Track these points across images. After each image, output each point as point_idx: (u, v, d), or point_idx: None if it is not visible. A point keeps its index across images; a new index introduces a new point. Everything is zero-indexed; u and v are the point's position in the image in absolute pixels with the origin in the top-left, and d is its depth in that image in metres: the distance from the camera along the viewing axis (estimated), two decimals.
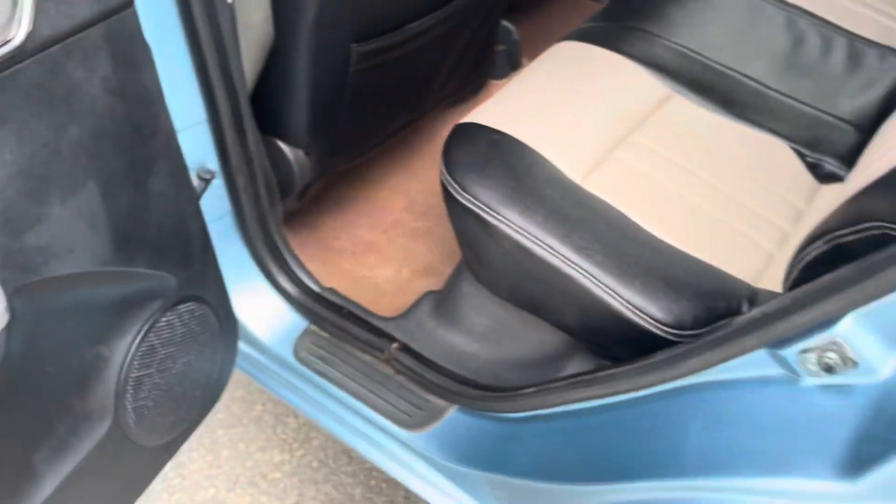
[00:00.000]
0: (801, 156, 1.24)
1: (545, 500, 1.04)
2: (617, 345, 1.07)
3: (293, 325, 1.31)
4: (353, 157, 1.44)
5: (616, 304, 1.01)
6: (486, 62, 1.64)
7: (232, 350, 1.15)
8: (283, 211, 1.37)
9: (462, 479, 1.19)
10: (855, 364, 0.69)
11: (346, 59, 1.21)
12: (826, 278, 0.71)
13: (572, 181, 1.13)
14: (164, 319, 0.99)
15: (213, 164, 1.16)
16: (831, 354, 0.70)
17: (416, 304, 1.32)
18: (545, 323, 1.18)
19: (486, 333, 1.25)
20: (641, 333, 1.00)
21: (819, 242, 0.88)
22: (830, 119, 1.29)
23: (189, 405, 1.09)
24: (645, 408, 0.93)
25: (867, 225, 0.79)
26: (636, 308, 1.00)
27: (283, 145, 1.29)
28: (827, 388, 0.72)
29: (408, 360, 1.21)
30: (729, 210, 1.15)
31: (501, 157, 1.13)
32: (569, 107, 1.24)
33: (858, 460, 0.65)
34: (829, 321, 0.70)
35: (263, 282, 1.30)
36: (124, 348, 0.95)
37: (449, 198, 1.13)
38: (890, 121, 1.16)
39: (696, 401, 0.86)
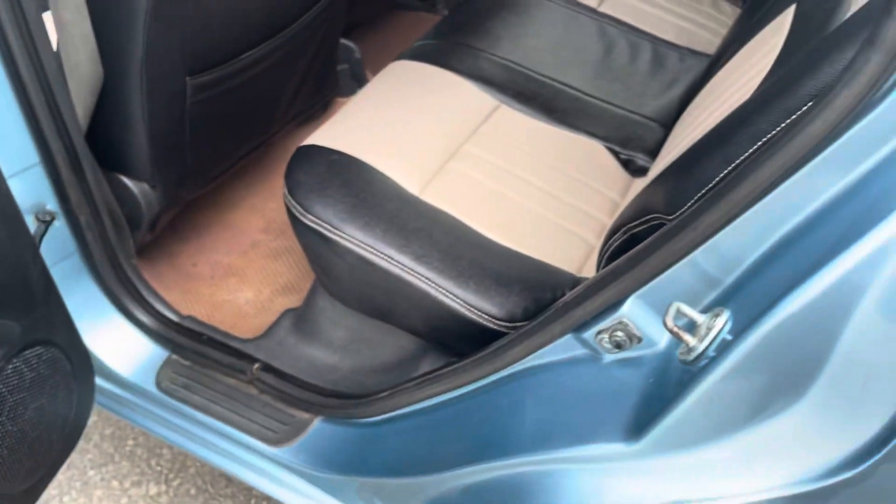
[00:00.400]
0: (615, 153, 1.38)
1: (406, 494, 1.11)
2: (461, 342, 1.16)
3: (154, 357, 1.32)
4: (203, 185, 1.46)
5: (455, 305, 1.09)
6: (330, 81, 1.70)
7: (88, 389, 1.15)
8: (137, 243, 1.38)
9: (334, 487, 1.24)
10: (639, 339, 0.80)
11: (182, 92, 1.24)
12: (610, 267, 0.81)
13: (410, 193, 1.21)
14: (10, 367, 0.99)
15: (52, 204, 1.16)
16: (619, 333, 0.81)
17: (276, 323, 1.36)
18: (398, 328, 1.25)
19: (345, 344, 1.31)
20: (480, 329, 1.09)
21: (618, 234, 1.00)
22: (639, 118, 1.43)
23: (46, 449, 1.08)
24: (484, 396, 1.01)
25: (649, 217, 0.91)
26: (472, 306, 1.09)
27: (126, 180, 1.30)
28: (622, 361, 0.83)
29: (270, 379, 1.25)
30: (553, 208, 1.26)
31: (340, 175, 1.19)
32: (404, 123, 1.32)
33: (640, 423, 0.75)
34: (615, 304, 0.80)
35: (119, 316, 1.30)
36: None
37: (293, 219, 1.18)
38: (682, 117, 1.30)
39: (525, 385, 0.95)
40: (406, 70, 1.44)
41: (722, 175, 0.79)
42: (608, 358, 0.85)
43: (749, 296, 0.69)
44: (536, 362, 0.93)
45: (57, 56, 1.10)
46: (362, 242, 1.11)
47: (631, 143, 1.39)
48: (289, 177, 1.20)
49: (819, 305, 0.61)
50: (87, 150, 1.15)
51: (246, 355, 1.29)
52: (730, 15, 1.74)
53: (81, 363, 1.13)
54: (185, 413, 1.30)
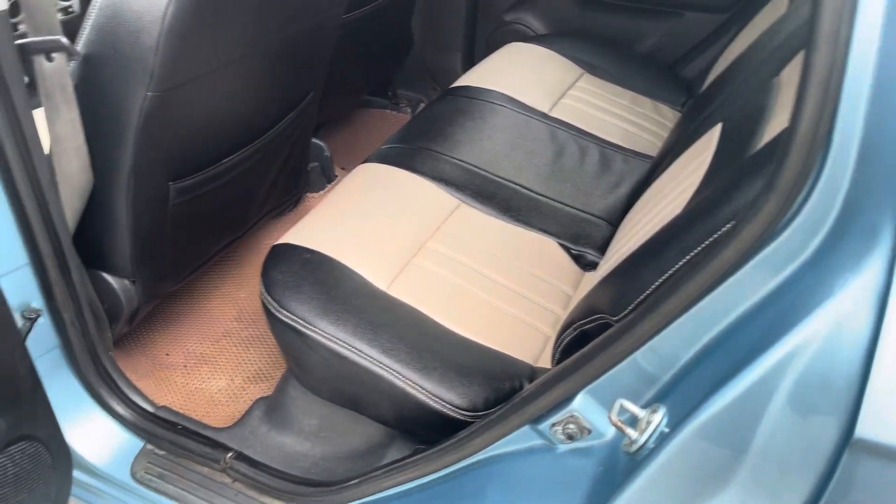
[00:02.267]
0: (567, 249, 1.50)
1: None
2: (426, 430, 1.23)
3: (129, 447, 1.36)
4: (180, 280, 1.54)
5: (420, 396, 1.17)
6: (302, 178, 1.81)
7: (66, 481, 1.19)
8: (114, 335, 1.44)
9: None
10: (589, 431, 0.90)
11: (164, 197, 1.33)
12: (562, 365, 0.91)
13: (379, 289, 1.30)
14: None
15: (38, 302, 1.22)
16: (571, 425, 0.90)
17: (249, 412, 1.42)
18: (367, 417, 1.32)
19: (316, 432, 1.37)
20: (444, 418, 1.17)
21: (570, 330, 1.10)
22: (588, 216, 1.56)
23: None
24: (449, 483, 1.08)
25: (596, 316, 1.01)
26: (436, 397, 1.17)
27: (108, 277, 1.37)
28: (574, 451, 0.92)
29: (243, 468, 1.30)
30: (511, 301, 1.36)
31: (313, 273, 1.28)
32: (372, 222, 1.43)
33: None
34: (567, 399, 0.90)
35: (96, 408, 1.35)
36: None
37: (269, 314, 1.26)
38: (628, 216, 1.43)
39: (487, 473, 1.03)
40: (373, 172, 1.55)
41: (657, 284, 0.90)
42: (562, 448, 0.93)
43: (683, 392, 0.79)
44: (497, 451, 1.01)
45: (49, 163, 1.18)
46: (334, 337, 1.19)
47: (581, 239, 1.51)
48: (265, 274, 1.29)
49: (739, 403, 0.71)
50: (73, 251, 1.22)
51: (219, 444, 1.34)
52: (669, 118, 1.91)
53: (61, 456, 1.17)
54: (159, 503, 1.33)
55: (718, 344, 0.76)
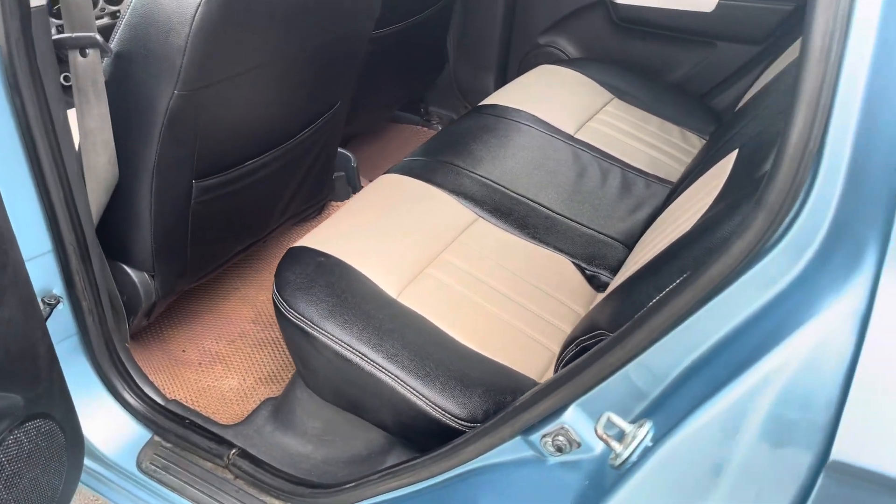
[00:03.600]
0: (581, 269, 1.49)
1: None
2: (425, 438, 1.23)
3: (137, 437, 1.39)
4: (199, 277, 1.57)
5: (420, 403, 1.18)
6: (326, 186, 1.84)
7: (77, 463, 1.22)
8: (132, 328, 1.48)
9: None
10: (578, 444, 0.89)
11: (187, 194, 1.36)
12: (555, 376, 0.91)
13: (389, 295, 1.32)
14: (11, 437, 1.07)
15: (58, 289, 1.26)
16: (561, 438, 0.90)
17: (256, 411, 1.44)
18: (369, 423, 1.33)
19: (319, 435, 1.38)
20: (443, 427, 1.17)
21: (571, 346, 1.10)
22: (605, 238, 1.56)
23: None
24: (442, 492, 1.08)
25: (596, 332, 1.01)
26: (437, 405, 1.17)
27: (128, 269, 1.41)
28: (564, 464, 0.91)
29: (245, 465, 1.32)
30: (521, 316, 1.36)
31: (325, 276, 1.30)
32: (388, 231, 1.45)
33: None
34: (558, 411, 0.89)
35: (108, 397, 1.38)
36: None
37: (279, 314, 1.28)
38: (641, 239, 1.43)
39: (478, 482, 1.03)
40: (393, 183, 1.57)
41: (655, 301, 0.89)
42: (552, 461, 0.93)
43: (671, 408, 0.78)
44: (490, 461, 1.01)
45: (78, 156, 1.23)
46: (340, 340, 1.21)
47: (596, 260, 1.51)
48: (278, 275, 1.31)
49: (720, 420, 0.70)
50: (96, 241, 1.26)
51: (225, 441, 1.36)
52: (696, 145, 1.90)
53: (74, 437, 1.20)
54: (161, 494, 1.36)
55: (706, 361, 0.75)
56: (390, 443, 1.33)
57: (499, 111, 1.84)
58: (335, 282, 1.29)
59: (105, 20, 1.77)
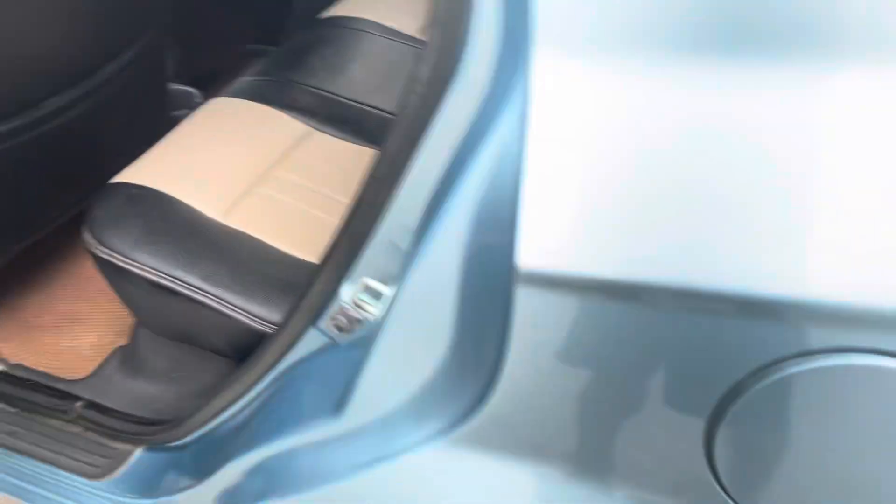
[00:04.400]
0: None
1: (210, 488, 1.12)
2: None
3: None
4: (25, 239, 1.49)
5: (245, 319, 1.13)
6: (165, 127, 1.74)
7: None
8: None
9: None
10: (359, 322, 0.85)
11: None
12: (323, 255, 0.86)
13: (210, 218, 1.25)
14: None
15: None
16: (340, 317, 0.85)
17: (105, 361, 1.39)
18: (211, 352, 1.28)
19: (167, 373, 1.33)
20: None
21: None
22: None
23: None
24: (271, 396, 1.04)
25: None
26: (262, 319, 1.13)
27: None
28: (352, 343, 0.87)
29: (93, 415, 1.27)
30: None
31: (136, 207, 1.23)
32: (212, 154, 1.37)
33: (343, 398, 0.79)
34: (333, 291, 0.85)
35: None
36: None
37: (91, 254, 1.21)
38: None
39: (302, 371, 0.98)
40: (220, 106, 1.49)
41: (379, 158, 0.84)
42: (343, 341, 0.89)
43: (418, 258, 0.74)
44: (297, 357, 0.97)
45: None
46: (151, 268, 1.15)
47: None
48: (87, 215, 1.24)
49: (435, 254, 0.66)
50: None
51: (70, 395, 1.31)
52: None
53: None
54: (14, 462, 1.30)
55: (435, 202, 0.71)
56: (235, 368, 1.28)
57: (339, 21, 1.75)
58: (146, 211, 1.23)
59: None
